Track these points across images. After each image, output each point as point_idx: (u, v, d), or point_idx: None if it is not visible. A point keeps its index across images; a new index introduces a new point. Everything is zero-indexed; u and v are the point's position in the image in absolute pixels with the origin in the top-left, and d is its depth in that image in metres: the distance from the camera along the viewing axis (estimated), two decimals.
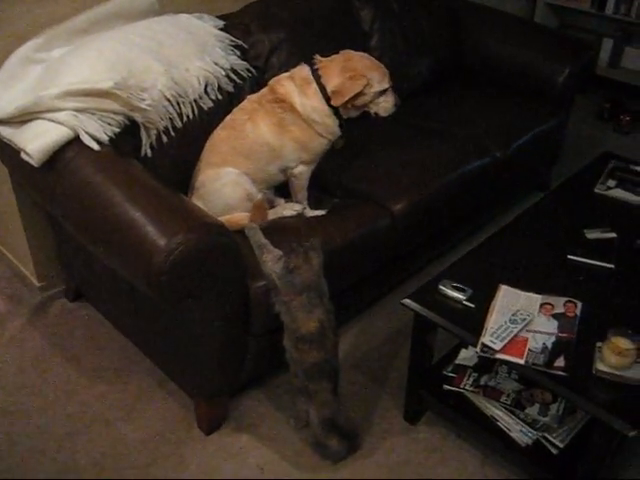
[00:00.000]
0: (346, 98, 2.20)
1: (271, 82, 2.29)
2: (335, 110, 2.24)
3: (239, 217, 2.19)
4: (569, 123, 3.34)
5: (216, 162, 2.26)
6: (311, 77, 2.22)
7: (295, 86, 2.22)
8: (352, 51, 2.31)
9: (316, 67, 2.24)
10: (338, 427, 2.02)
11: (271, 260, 1.89)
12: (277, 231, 2.11)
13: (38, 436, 2.15)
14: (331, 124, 2.26)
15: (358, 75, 2.21)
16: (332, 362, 1.95)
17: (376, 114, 2.34)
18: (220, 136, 2.29)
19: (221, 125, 2.30)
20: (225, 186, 2.22)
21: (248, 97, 2.34)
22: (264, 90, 2.30)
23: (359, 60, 2.26)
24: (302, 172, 2.31)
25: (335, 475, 2.05)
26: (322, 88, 2.21)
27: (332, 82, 2.21)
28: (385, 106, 2.31)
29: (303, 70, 2.25)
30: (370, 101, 2.28)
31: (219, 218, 2.14)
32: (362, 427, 2.18)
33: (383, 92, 2.29)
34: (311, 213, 2.34)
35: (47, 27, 2.23)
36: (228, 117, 2.31)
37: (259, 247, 1.93)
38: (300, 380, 1.97)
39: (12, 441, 2.13)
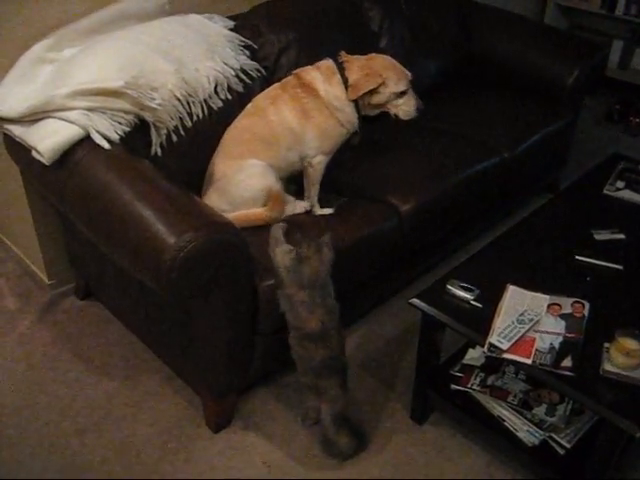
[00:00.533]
0: (360, 93, 2.26)
1: (296, 71, 2.36)
2: (355, 104, 2.30)
3: (257, 212, 2.23)
4: (578, 124, 3.33)
5: (238, 153, 2.27)
6: (335, 68, 2.30)
7: (321, 75, 2.29)
8: (378, 54, 2.39)
9: (341, 61, 2.31)
10: (349, 422, 2.03)
11: (281, 253, 1.90)
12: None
13: (47, 433, 2.16)
14: (351, 114, 2.31)
15: (374, 73, 2.27)
16: (340, 358, 1.96)
17: (396, 116, 2.38)
18: (242, 124, 2.32)
19: (242, 114, 2.34)
20: (250, 178, 2.23)
21: (273, 85, 2.38)
22: (289, 78, 2.36)
23: (380, 61, 2.34)
24: (320, 162, 2.34)
25: (342, 473, 2.05)
26: (345, 80, 2.28)
27: (352, 76, 2.28)
28: (405, 109, 2.36)
29: (328, 62, 2.33)
30: (387, 101, 2.33)
31: (235, 213, 2.20)
32: (369, 426, 2.19)
33: (401, 94, 2.33)
34: (320, 211, 2.35)
35: (58, 27, 2.25)
36: (249, 105, 2.35)
37: (275, 241, 1.94)
38: (309, 377, 1.98)
39: (21, 437, 2.15)
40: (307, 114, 2.28)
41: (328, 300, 1.91)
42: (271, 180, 2.25)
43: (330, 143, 2.34)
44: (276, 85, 2.37)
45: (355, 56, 2.34)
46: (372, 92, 2.29)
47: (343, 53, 2.34)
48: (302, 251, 1.87)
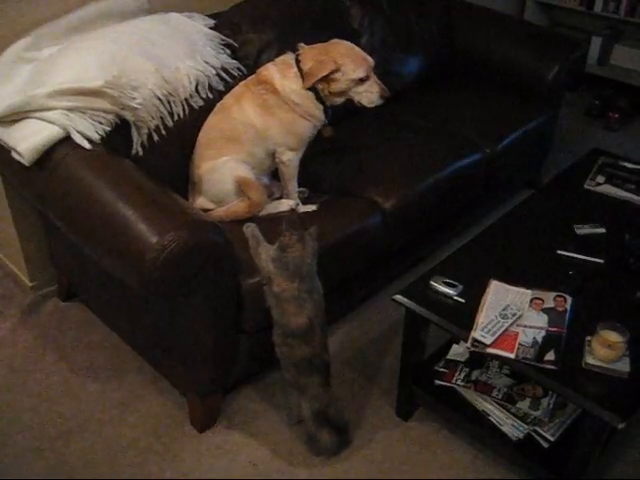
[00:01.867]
0: (313, 80, 2.23)
1: (259, 69, 2.35)
2: (317, 95, 2.27)
3: (240, 205, 2.24)
4: (559, 120, 3.35)
5: (210, 154, 2.29)
6: (292, 62, 2.27)
7: (277, 70, 2.28)
8: (339, 40, 2.34)
9: (297, 53, 2.29)
10: (329, 420, 2.03)
11: (265, 250, 1.90)
12: (271, 225, 2.10)
13: (31, 436, 2.15)
14: (312, 107, 2.29)
15: (328, 60, 2.23)
16: (322, 356, 1.96)
17: (360, 104, 2.33)
18: (210, 123, 2.33)
19: (212, 112, 2.35)
20: (223, 175, 2.26)
21: (239, 84, 2.38)
22: (252, 76, 2.36)
23: (336, 47, 2.29)
24: (290, 159, 2.34)
25: (328, 471, 2.05)
26: (301, 72, 2.26)
27: (306, 66, 2.25)
28: (368, 96, 2.31)
29: (286, 56, 2.31)
30: (347, 89, 2.28)
31: (221, 209, 2.26)
32: (354, 423, 2.19)
33: (362, 81, 2.27)
34: (302, 208, 2.35)
35: (37, 26, 2.23)
36: (218, 103, 2.36)
37: (256, 241, 1.94)
38: (291, 374, 1.98)
39: (4, 441, 2.13)
40: (268, 110, 2.27)
41: (315, 295, 1.91)
42: (243, 170, 2.27)
43: (296, 138, 2.32)
44: (241, 83, 2.37)
45: (314, 45, 2.31)
46: (329, 80, 2.24)
47: (301, 45, 2.31)
48: (284, 239, 1.87)
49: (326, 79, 2.24)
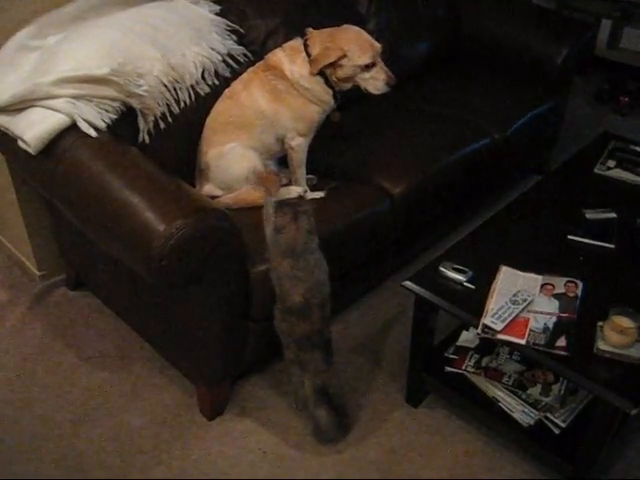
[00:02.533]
0: (319, 66, 2.21)
1: (266, 55, 2.34)
2: (326, 80, 2.26)
3: (257, 194, 2.22)
4: (568, 105, 3.32)
5: (218, 140, 2.28)
6: (301, 47, 2.26)
7: (286, 55, 2.27)
8: (347, 25, 2.31)
9: (306, 38, 2.28)
10: (329, 397, 2.03)
11: (269, 230, 1.90)
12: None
13: (41, 424, 2.15)
14: (321, 92, 2.27)
15: (335, 46, 2.21)
16: (322, 333, 1.95)
17: (367, 90, 2.30)
18: (218, 108, 2.32)
19: (220, 98, 2.33)
20: (231, 161, 2.26)
21: (247, 70, 2.37)
22: (260, 62, 2.34)
23: (343, 32, 2.27)
24: (299, 144, 2.32)
25: (338, 458, 2.05)
26: (309, 57, 2.24)
27: (313, 51, 2.24)
28: (374, 83, 2.28)
29: (294, 41, 2.30)
30: (353, 75, 2.25)
31: (229, 196, 2.24)
32: (364, 410, 2.19)
33: (368, 67, 2.25)
34: (311, 195, 2.33)
35: (41, 14, 2.22)
36: (226, 89, 2.35)
37: (267, 217, 1.93)
38: (292, 351, 1.98)
39: (15, 430, 2.14)
40: (278, 96, 2.26)
41: (316, 273, 1.89)
42: (253, 159, 2.26)
43: (305, 123, 2.31)
44: (249, 70, 2.36)
45: (322, 30, 2.29)
46: (335, 66, 2.22)
47: (309, 30, 2.29)
48: (277, 220, 1.86)
49: (333, 65, 2.22)
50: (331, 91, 2.28)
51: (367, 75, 2.26)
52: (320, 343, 1.95)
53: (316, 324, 1.92)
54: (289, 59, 2.26)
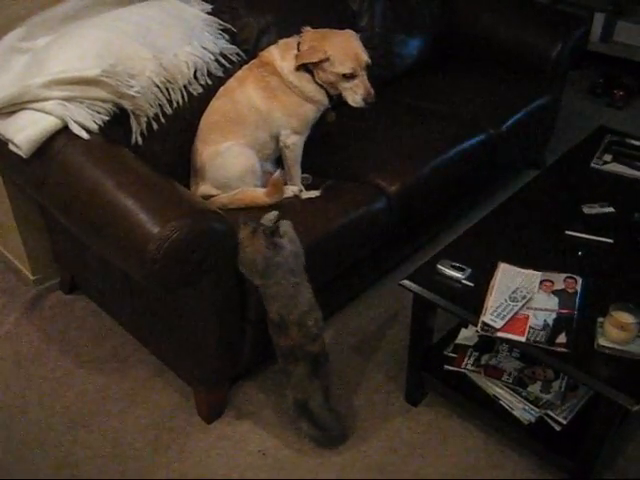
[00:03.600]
0: (300, 62, 2.21)
1: (260, 52, 2.34)
2: (315, 79, 2.25)
3: (254, 194, 2.21)
4: (563, 99, 3.31)
5: (214, 139, 2.27)
6: (294, 44, 2.26)
7: (279, 51, 2.27)
8: (343, 30, 2.30)
9: (301, 35, 2.28)
10: (309, 412, 2.00)
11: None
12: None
13: (37, 430, 2.13)
14: (311, 90, 2.26)
15: (319, 47, 2.20)
16: (306, 348, 1.91)
17: (345, 100, 2.26)
18: (213, 106, 2.31)
19: (215, 95, 2.32)
20: (227, 160, 2.24)
21: (242, 67, 2.36)
22: (255, 59, 2.34)
23: (334, 36, 2.25)
24: (294, 142, 2.31)
25: (338, 459, 2.04)
26: None
27: (302, 48, 2.24)
28: (352, 95, 2.23)
29: (290, 38, 2.30)
30: (334, 81, 2.22)
31: (231, 194, 2.22)
32: (363, 409, 2.18)
33: (348, 78, 2.21)
34: (306, 194, 2.32)
35: (31, 16, 2.19)
36: (222, 87, 2.34)
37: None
38: (281, 360, 1.97)
39: (10, 436, 2.12)
40: (271, 93, 2.26)
41: (290, 291, 1.85)
42: (251, 158, 2.25)
43: (299, 120, 2.29)
44: (244, 67, 2.35)
45: (317, 30, 2.28)
46: (318, 67, 2.21)
47: (306, 28, 2.29)
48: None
49: (317, 66, 2.21)
50: (324, 91, 2.27)
51: (347, 85, 2.23)
52: (305, 357, 1.92)
53: (296, 340, 1.90)
54: (281, 55, 2.26)
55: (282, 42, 2.30)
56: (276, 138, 2.31)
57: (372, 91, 2.23)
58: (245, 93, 2.26)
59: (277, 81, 2.25)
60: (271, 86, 2.25)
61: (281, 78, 2.24)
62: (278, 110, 2.26)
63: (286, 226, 1.93)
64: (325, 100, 2.29)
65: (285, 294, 1.86)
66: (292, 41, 2.28)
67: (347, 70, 2.20)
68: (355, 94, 2.23)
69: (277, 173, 2.24)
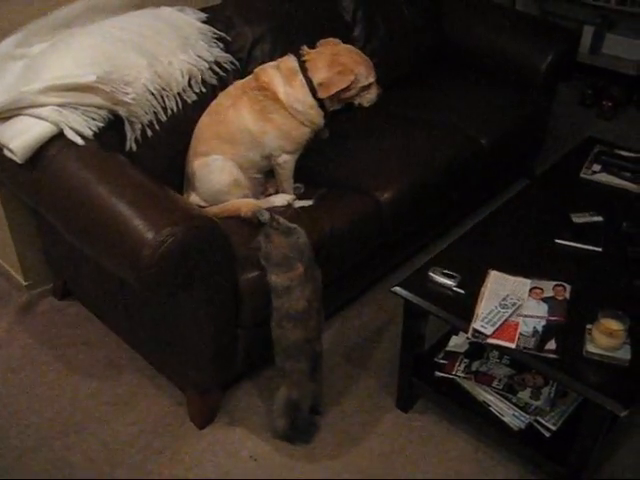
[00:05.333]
0: (332, 91, 2.21)
1: (257, 70, 2.29)
2: (320, 102, 2.25)
3: (242, 203, 2.22)
4: (552, 110, 3.35)
5: (203, 151, 2.27)
6: (298, 68, 2.22)
7: (281, 76, 2.22)
8: (340, 43, 2.33)
9: (303, 59, 2.24)
10: (297, 412, 2.03)
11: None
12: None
13: (29, 436, 2.13)
14: (315, 115, 2.26)
15: (347, 70, 2.21)
16: (312, 344, 1.95)
17: (360, 105, 2.36)
18: (204, 122, 2.31)
19: (206, 111, 2.32)
20: (212, 173, 2.25)
21: (234, 83, 2.34)
22: (249, 77, 2.31)
23: (347, 54, 2.27)
24: (286, 161, 2.32)
25: (329, 463, 2.05)
26: (308, 80, 2.21)
27: (320, 75, 2.21)
28: (368, 97, 2.34)
29: (290, 61, 2.25)
30: (356, 95, 2.30)
31: (219, 206, 2.23)
32: (354, 416, 2.19)
33: (368, 86, 2.31)
34: (298, 204, 2.33)
35: (26, 22, 2.21)
36: (213, 102, 2.33)
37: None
38: (280, 358, 1.98)
39: (2, 442, 2.11)
40: (266, 116, 2.23)
41: (314, 272, 1.92)
42: (235, 173, 2.25)
43: (293, 143, 2.29)
44: (237, 84, 2.32)
45: (317, 50, 2.27)
46: (344, 89, 2.23)
47: (305, 49, 2.26)
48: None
49: (344, 89, 2.23)
50: (323, 113, 2.28)
51: (365, 92, 2.31)
52: (308, 354, 1.95)
53: (310, 332, 1.92)
54: (285, 81, 2.21)
55: (283, 65, 2.24)
56: (267, 157, 2.31)
57: (380, 86, 2.33)
58: (238, 114, 2.23)
59: (274, 105, 2.21)
60: (267, 110, 2.22)
61: (280, 103, 2.21)
62: (272, 132, 2.24)
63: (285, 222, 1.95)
64: (322, 122, 2.30)
65: (315, 272, 1.91)
66: (293, 64, 2.23)
67: (372, 80, 2.30)
68: (370, 96, 2.32)
69: (242, 178, 2.27)
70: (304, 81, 2.21)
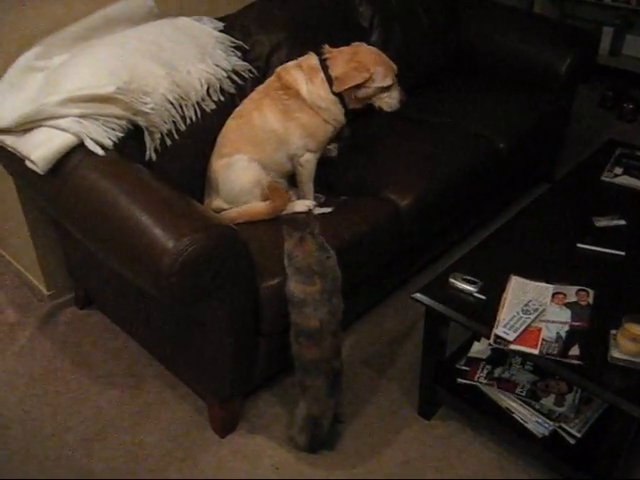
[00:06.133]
0: (346, 86, 2.23)
1: (278, 69, 2.34)
2: (341, 99, 2.28)
3: (260, 206, 2.24)
4: (572, 113, 3.32)
5: (227, 152, 2.29)
6: (319, 66, 2.26)
7: (303, 74, 2.27)
8: (364, 44, 2.35)
9: (324, 57, 2.28)
10: (318, 428, 2.02)
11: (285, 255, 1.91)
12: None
13: (52, 444, 2.14)
14: (337, 111, 2.30)
15: (362, 67, 2.24)
16: (331, 363, 1.93)
17: (380, 108, 2.36)
18: (230, 126, 2.33)
19: (231, 115, 2.35)
20: (235, 172, 2.27)
21: (257, 88, 2.37)
22: (271, 78, 2.35)
23: (367, 53, 2.30)
24: (309, 160, 2.34)
25: (351, 472, 2.04)
26: (329, 77, 2.25)
27: (337, 70, 2.24)
28: (389, 102, 2.35)
29: (311, 59, 2.29)
30: (373, 95, 2.31)
31: (240, 209, 2.25)
32: (376, 423, 2.18)
33: (387, 88, 2.31)
34: (319, 210, 2.33)
35: (46, 35, 2.23)
36: (238, 107, 2.36)
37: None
38: (300, 373, 1.97)
39: (26, 450, 2.13)
40: (290, 115, 2.26)
41: (334, 300, 1.89)
42: (258, 172, 2.27)
43: (316, 141, 2.32)
44: (259, 88, 2.36)
45: (339, 49, 2.31)
46: (359, 86, 2.26)
47: (327, 47, 2.30)
48: (286, 246, 1.87)
49: (358, 86, 2.25)
50: (344, 110, 2.31)
51: (384, 94, 2.32)
52: (327, 372, 1.94)
53: (326, 352, 1.91)
54: (307, 78, 2.25)
55: (305, 64, 2.28)
56: (291, 158, 2.33)
57: (404, 92, 2.34)
58: (263, 116, 2.27)
59: (298, 103, 2.25)
60: (290, 109, 2.26)
61: (304, 101, 2.25)
62: (297, 132, 2.28)
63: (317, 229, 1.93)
64: (344, 119, 2.34)
65: (333, 299, 1.88)
66: (315, 62, 2.27)
67: (390, 82, 2.29)
68: (391, 100, 2.33)
69: (270, 180, 2.26)
70: (324, 78, 2.25)
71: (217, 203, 2.30)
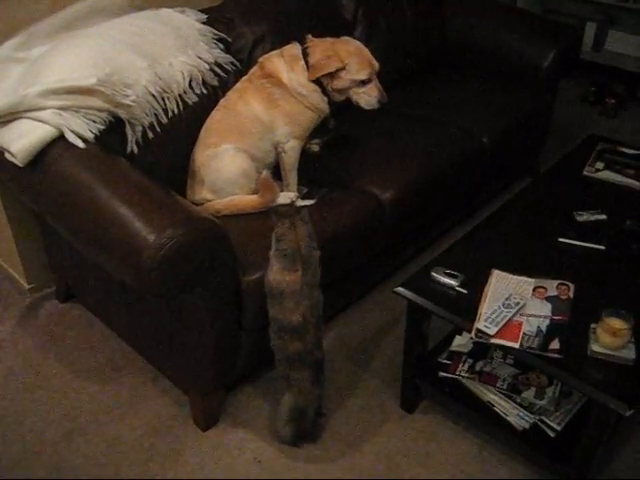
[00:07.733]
0: (318, 73, 2.26)
1: (261, 59, 2.36)
2: (323, 88, 2.30)
3: (247, 198, 2.23)
4: (555, 107, 3.34)
5: (212, 142, 2.29)
6: (300, 54, 2.29)
7: (284, 62, 2.29)
8: (349, 38, 2.37)
9: (306, 46, 2.30)
10: (304, 418, 2.02)
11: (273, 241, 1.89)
12: (268, 218, 2.08)
13: (33, 439, 2.13)
14: (318, 99, 2.32)
15: (335, 57, 2.26)
16: (314, 354, 1.93)
17: (357, 104, 2.37)
18: (214, 118, 2.33)
19: (216, 107, 2.35)
20: (222, 162, 2.26)
21: (241, 79, 2.38)
22: (254, 68, 2.37)
23: (344, 44, 2.32)
24: (293, 147, 2.35)
25: (334, 466, 2.04)
26: (308, 65, 2.28)
27: (313, 58, 2.27)
28: (366, 99, 2.35)
29: (293, 48, 2.32)
30: (348, 87, 2.32)
31: (225, 200, 2.23)
32: (358, 416, 2.18)
33: (364, 83, 2.31)
34: (301, 202, 2.33)
35: (26, 26, 2.21)
36: (222, 99, 2.36)
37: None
38: (283, 367, 1.96)
39: (6, 445, 2.11)
40: (274, 103, 2.29)
41: (314, 292, 1.89)
42: (245, 162, 2.27)
43: (300, 128, 2.34)
44: (244, 78, 2.37)
45: (322, 39, 2.33)
46: (333, 76, 2.27)
47: (309, 37, 2.32)
48: (277, 230, 1.85)
49: (330, 75, 2.27)
50: (327, 99, 2.32)
51: (361, 90, 2.33)
52: (311, 363, 1.94)
53: (309, 344, 1.90)
54: (288, 66, 2.28)
55: (286, 53, 2.31)
56: (277, 145, 2.35)
57: (384, 93, 2.34)
58: (247, 105, 2.29)
59: (280, 91, 2.28)
60: (274, 97, 2.28)
61: (286, 89, 2.28)
62: (280, 119, 2.30)
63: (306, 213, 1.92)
64: (327, 108, 2.36)
65: (315, 292, 1.88)
66: (296, 51, 2.30)
67: (364, 76, 2.29)
68: (369, 97, 2.33)
69: (265, 172, 2.25)
70: (305, 66, 2.28)
71: (202, 194, 2.29)
